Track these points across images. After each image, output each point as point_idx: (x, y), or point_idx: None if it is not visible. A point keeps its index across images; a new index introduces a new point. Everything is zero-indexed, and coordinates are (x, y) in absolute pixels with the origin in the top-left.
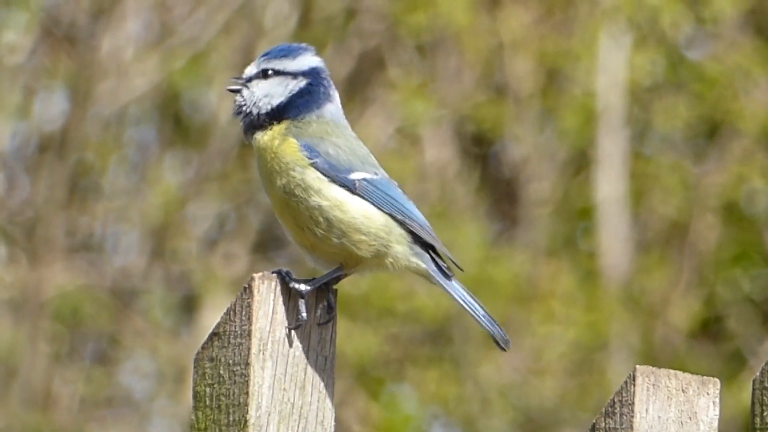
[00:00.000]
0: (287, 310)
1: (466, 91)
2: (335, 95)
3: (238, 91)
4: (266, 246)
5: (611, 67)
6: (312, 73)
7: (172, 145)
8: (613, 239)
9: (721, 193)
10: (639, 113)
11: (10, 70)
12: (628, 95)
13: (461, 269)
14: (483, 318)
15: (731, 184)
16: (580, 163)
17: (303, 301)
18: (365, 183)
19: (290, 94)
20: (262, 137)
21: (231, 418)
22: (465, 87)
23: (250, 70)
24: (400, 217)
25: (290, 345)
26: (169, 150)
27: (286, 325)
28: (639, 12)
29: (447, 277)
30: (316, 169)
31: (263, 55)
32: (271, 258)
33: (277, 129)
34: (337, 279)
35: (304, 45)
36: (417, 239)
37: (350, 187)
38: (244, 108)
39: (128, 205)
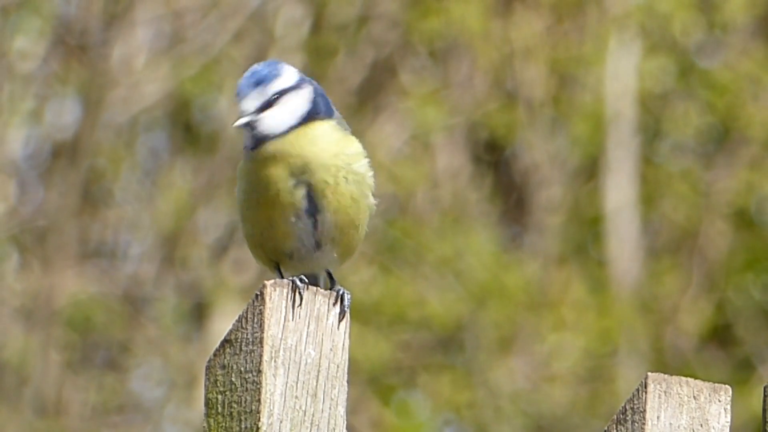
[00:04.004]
0: (291, 300)
1: (478, 98)
2: None
3: (249, 125)
4: None
5: (622, 73)
6: (304, 79)
7: (183, 152)
8: (624, 246)
9: (732, 199)
10: (649, 120)
11: (23, 77)
12: (639, 102)
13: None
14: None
15: (742, 190)
16: (591, 169)
17: (301, 282)
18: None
19: (310, 101)
20: (304, 129)
21: (243, 426)
22: (477, 93)
23: (251, 103)
24: None
25: (303, 352)
26: (180, 157)
27: (291, 318)
28: (649, 19)
29: None
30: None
31: (256, 85)
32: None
33: (323, 124)
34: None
35: (274, 60)
36: None
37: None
38: (270, 134)
39: (140, 212)
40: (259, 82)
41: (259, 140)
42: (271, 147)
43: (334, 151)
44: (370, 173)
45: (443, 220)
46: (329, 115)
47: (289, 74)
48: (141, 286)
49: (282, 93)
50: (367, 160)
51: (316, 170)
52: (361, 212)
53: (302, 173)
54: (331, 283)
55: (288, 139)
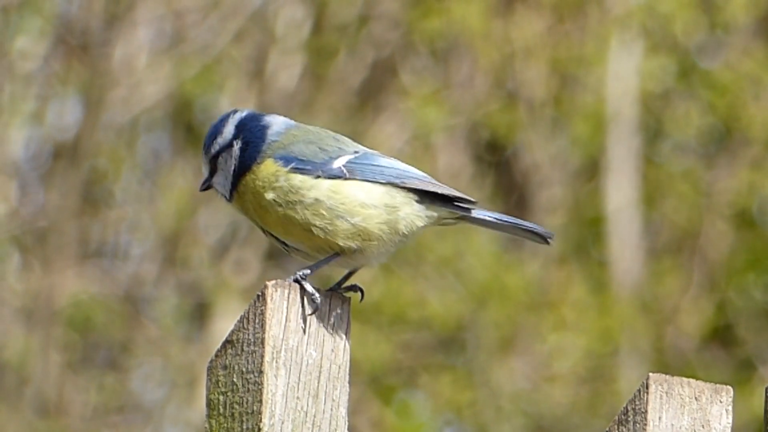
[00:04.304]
0: (302, 307)
1: (479, 98)
2: (273, 116)
3: (209, 188)
4: (278, 254)
5: (623, 73)
6: (240, 128)
7: (184, 152)
8: (625, 246)
9: (733, 199)
10: (650, 120)
11: (24, 77)
12: (640, 102)
13: (473, 201)
14: (519, 222)
15: (743, 190)
16: (592, 169)
17: (308, 282)
18: (351, 165)
19: (238, 155)
20: (237, 191)
21: (244, 426)
22: (478, 94)
23: (205, 168)
24: (397, 181)
25: (305, 353)
26: (181, 157)
27: (303, 324)
28: (650, 19)
29: (467, 210)
30: (298, 172)
31: (204, 149)
32: (282, 265)
33: (246, 179)
34: (349, 275)
35: (225, 113)
36: (422, 196)
37: (340, 176)
38: (224, 191)
39: (140, 212)
40: (205, 145)
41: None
42: (235, 207)
43: (259, 197)
44: (288, 180)
45: None
46: (252, 162)
47: (226, 131)
48: (142, 286)
49: (218, 155)
50: (284, 169)
51: (254, 216)
52: (304, 219)
53: (255, 220)
54: (341, 282)
55: (236, 204)
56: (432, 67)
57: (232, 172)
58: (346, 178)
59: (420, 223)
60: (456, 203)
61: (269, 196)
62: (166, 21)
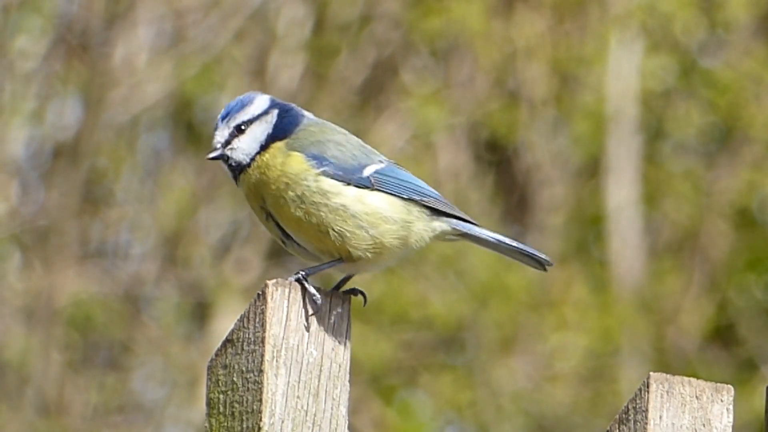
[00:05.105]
0: (303, 307)
1: (480, 98)
2: (303, 110)
3: (221, 158)
4: (279, 253)
5: (623, 73)
6: (275, 104)
7: (184, 151)
8: (626, 245)
9: (734, 199)
10: (651, 119)
11: (24, 76)
12: (640, 101)
13: (476, 224)
14: (520, 246)
15: (743, 190)
16: (593, 169)
17: (308, 283)
18: (378, 176)
19: (272, 125)
20: (261, 158)
21: (245, 425)
22: (478, 93)
23: (221, 134)
24: (417, 198)
25: (305, 352)
26: (182, 157)
27: (305, 324)
28: (651, 18)
29: (470, 228)
30: (328, 176)
31: (223, 118)
32: (283, 264)
33: (274, 149)
34: (347, 278)
35: (250, 93)
36: (434, 211)
37: (367, 186)
38: (240, 163)
39: (141, 211)
40: (227, 114)
41: (234, 171)
42: (243, 184)
43: (281, 191)
44: (318, 182)
45: None
46: (286, 133)
47: (259, 103)
48: (142, 285)
49: (249, 122)
50: (315, 170)
51: (268, 201)
52: (324, 222)
53: (264, 204)
54: (339, 284)
55: (251, 173)
56: (433, 67)
57: (265, 136)
58: (372, 189)
59: (427, 238)
60: (461, 219)
61: (292, 192)
62: (166, 20)
